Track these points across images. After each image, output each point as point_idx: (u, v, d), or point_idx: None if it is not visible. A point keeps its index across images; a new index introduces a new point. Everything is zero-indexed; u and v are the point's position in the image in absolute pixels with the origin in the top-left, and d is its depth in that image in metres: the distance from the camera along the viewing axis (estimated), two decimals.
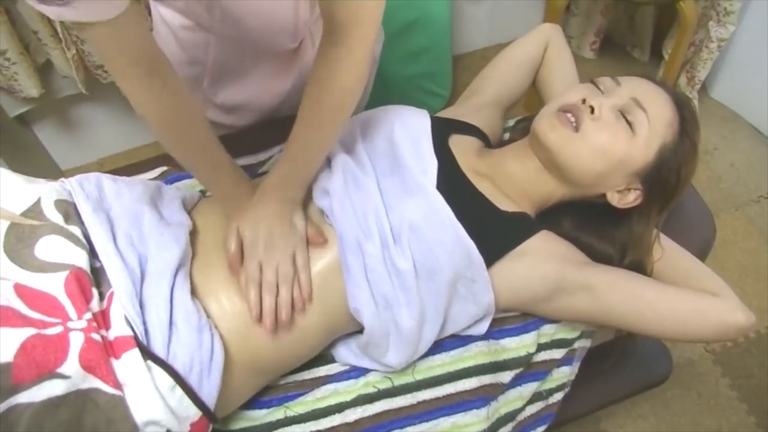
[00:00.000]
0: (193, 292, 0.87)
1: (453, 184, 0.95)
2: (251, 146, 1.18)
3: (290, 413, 0.92)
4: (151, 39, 0.79)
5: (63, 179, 0.92)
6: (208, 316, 0.86)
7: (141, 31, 0.76)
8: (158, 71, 0.80)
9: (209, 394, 0.82)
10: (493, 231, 0.93)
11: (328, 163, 0.97)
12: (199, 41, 1.09)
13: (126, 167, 1.25)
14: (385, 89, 1.98)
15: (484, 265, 0.90)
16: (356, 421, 0.91)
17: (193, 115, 0.87)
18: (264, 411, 0.94)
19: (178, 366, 0.79)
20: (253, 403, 0.94)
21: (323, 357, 0.98)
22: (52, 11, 0.68)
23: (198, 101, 0.87)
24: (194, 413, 0.79)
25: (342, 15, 0.77)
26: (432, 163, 0.95)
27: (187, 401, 0.78)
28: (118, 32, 0.73)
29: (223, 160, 0.92)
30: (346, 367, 0.97)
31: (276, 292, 0.88)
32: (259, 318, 0.88)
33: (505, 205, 0.97)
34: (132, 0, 0.72)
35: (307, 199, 0.95)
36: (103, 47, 0.76)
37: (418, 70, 2.01)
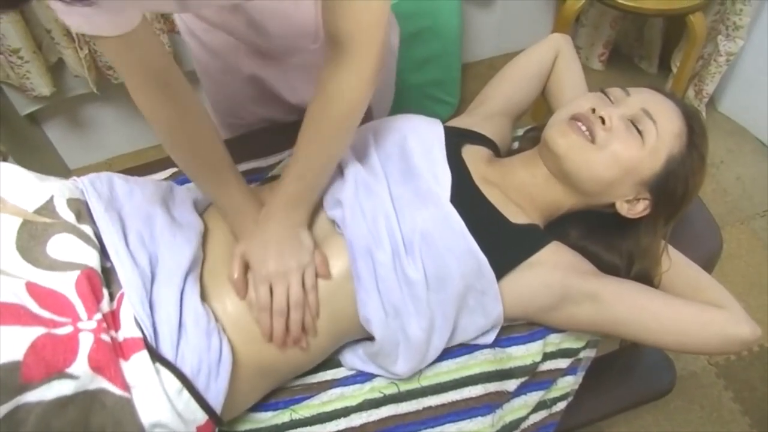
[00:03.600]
0: (203, 296, 0.87)
1: (466, 196, 0.95)
2: (260, 150, 1.19)
3: (296, 416, 0.92)
4: (164, 51, 0.80)
5: (75, 178, 0.92)
6: (217, 320, 0.87)
7: (153, 44, 0.78)
8: (170, 83, 0.81)
9: (216, 397, 0.82)
10: (504, 244, 0.93)
11: (340, 171, 0.97)
12: (230, 47, 1.11)
13: (135, 168, 1.25)
14: (394, 96, 1.99)
15: (494, 278, 0.90)
16: (361, 426, 0.92)
17: (204, 128, 0.87)
18: (270, 413, 0.94)
19: (186, 369, 0.79)
20: (258, 405, 0.94)
21: (330, 361, 0.98)
22: (73, 22, 0.70)
23: (208, 113, 0.87)
24: (201, 417, 0.79)
25: (345, 31, 0.77)
26: (445, 174, 0.95)
27: (194, 405, 0.78)
28: (132, 46, 0.75)
29: (232, 176, 0.91)
30: (353, 372, 0.97)
31: (287, 315, 0.88)
32: (270, 339, 0.88)
33: (515, 215, 0.97)
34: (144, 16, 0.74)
35: (316, 209, 0.95)
36: (119, 60, 0.78)
37: (427, 78, 2.02)
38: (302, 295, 0.88)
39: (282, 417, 0.93)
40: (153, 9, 0.86)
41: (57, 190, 0.86)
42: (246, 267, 0.90)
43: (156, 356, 0.77)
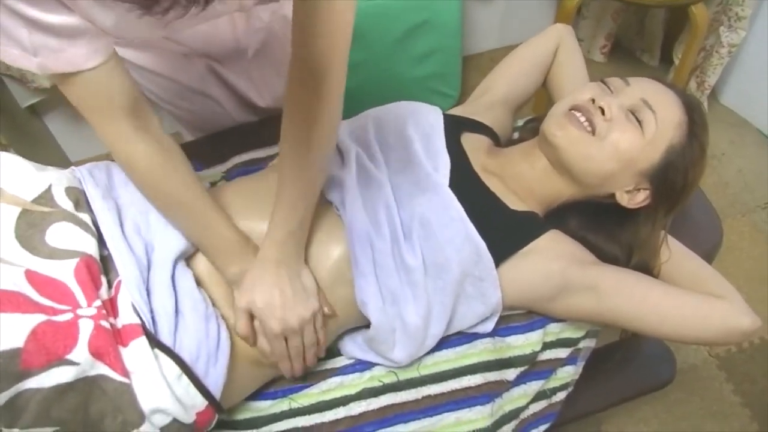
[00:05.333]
0: (200, 282, 0.87)
1: (464, 182, 0.95)
2: (262, 140, 1.18)
3: (295, 405, 0.93)
4: (133, 82, 0.76)
5: (73, 167, 0.92)
6: (215, 306, 0.87)
7: (124, 69, 0.74)
8: (141, 115, 0.77)
9: (215, 383, 0.82)
10: (503, 230, 0.93)
11: (339, 154, 0.96)
12: (178, 65, 1.11)
13: None
14: (395, 89, 1.98)
15: (493, 264, 0.90)
16: (360, 415, 0.92)
17: (180, 163, 0.84)
18: (269, 402, 0.94)
19: (185, 354, 0.79)
20: (258, 394, 0.95)
21: (329, 350, 0.98)
22: (37, 64, 0.65)
23: (178, 145, 0.84)
24: (200, 402, 0.80)
25: (318, 49, 0.73)
26: (444, 160, 0.95)
27: (194, 390, 0.79)
28: (109, 75, 0.71)
29: (216, 215, 0.86)
30: (352, 361, 0.97)
31: (303, 354, 0.90)
32: (291, 376, 0.92)
33: (514, 203, 0.97)
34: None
35: None
36: (91, 98, 0.73)
37: (427, 71, 2.02)
38: (315, 337, 0.89)
39: (281, 405, 0.93)
40: (137, 35, 0.83)
41: (55, 179, 0.85)
42: (251, 317, 0.87)
43: (155, 342, 0.77)
